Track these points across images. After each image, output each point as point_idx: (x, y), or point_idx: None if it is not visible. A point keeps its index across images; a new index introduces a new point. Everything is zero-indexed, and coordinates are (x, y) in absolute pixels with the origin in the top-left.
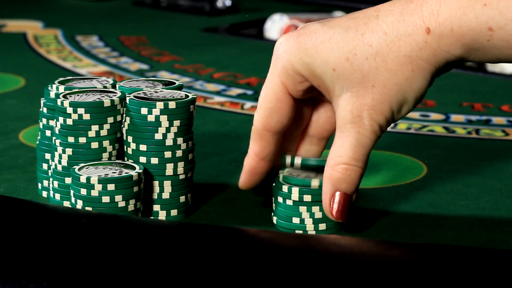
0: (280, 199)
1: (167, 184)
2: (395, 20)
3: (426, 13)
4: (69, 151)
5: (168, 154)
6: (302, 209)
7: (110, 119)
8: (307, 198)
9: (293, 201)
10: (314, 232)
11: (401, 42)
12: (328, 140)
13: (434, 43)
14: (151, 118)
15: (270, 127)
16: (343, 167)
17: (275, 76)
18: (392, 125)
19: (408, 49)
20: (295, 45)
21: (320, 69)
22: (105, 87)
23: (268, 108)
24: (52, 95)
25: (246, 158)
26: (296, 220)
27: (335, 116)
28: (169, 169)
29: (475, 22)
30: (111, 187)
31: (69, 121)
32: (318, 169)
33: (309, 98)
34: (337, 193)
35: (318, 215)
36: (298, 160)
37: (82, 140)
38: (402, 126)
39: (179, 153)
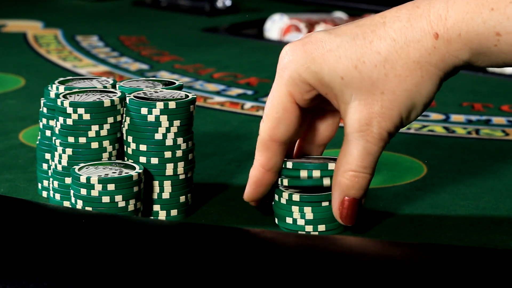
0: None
1: (167, 184)
2: (402, 26)
3: (433, 18)
4: (69, 151)
5: (168, 154)
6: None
7: (110, 119)
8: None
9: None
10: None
11: (410, 48)
12: (325, 146)
13: (442, 48)
14: (151, 118)
15: (277, 137)
16: (351, 174)
17: (282, 86)
18: None
19: (417, 55)
20: (301, 54)
21: (328, 78)
22: (105, 87)
23: (275, 118)
24: (52, 95)
25: (252, 169)
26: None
27: (334, 124)
28: (169, 169)
29: (483, 27)
30: (111, 187)
31: (69, 121)
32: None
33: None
34: (346, 199)
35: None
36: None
37: (82, 140)
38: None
39: (179, 153)
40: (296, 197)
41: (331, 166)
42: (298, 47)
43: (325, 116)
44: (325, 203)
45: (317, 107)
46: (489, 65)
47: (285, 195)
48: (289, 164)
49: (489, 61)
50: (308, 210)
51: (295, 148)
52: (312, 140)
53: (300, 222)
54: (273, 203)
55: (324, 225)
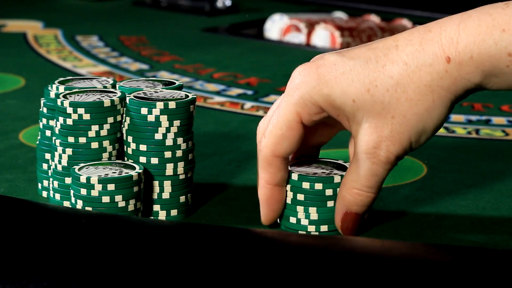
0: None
1: (167, 184)
2: (415, 50)
3: (445, 42)
4: (69, 151)
5: (168, 154)
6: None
7: (110, 119)
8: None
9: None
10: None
11: (422, 72)
12: (320, 148)
13: (454, 72)
14: (151, 118)
15: (279, 153)
16: (356, 192)
17: (291, 105)
18: None
19: (429, 79)
20: (314, 77)
21: (339, 100)
22: (105, 87)
23: (278, 134)
24: (52, 95)
25: (260, 189)
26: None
27: (331, 133)
28: (169, 169)
29: (494, 48)
30: (111, 187)
31: (69, 121)
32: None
33: None
34: (348, 212)
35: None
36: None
37: (82, 140)
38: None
39: (179, 153)
40: (301, 196)
41: (337, 179)
42: (311, 70)
43: (325, 126)
44: (330, 203)
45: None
46: (501, 88)
47: (290, 194)
48: (295, 176)
49: (501, 83)
50: (313, 211)
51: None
52: (308, 143)
53: (304, 222)
54: None
55: (326, 226)
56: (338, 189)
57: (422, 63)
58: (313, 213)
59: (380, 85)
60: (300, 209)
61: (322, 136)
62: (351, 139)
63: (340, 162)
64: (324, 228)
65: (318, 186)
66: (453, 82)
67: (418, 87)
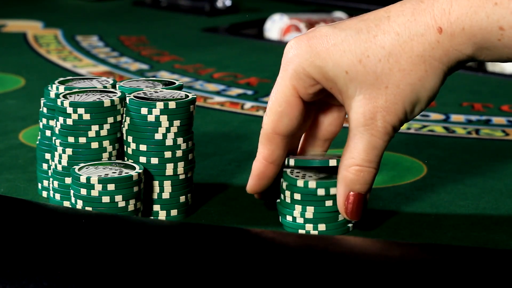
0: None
1: (167, 184)
2: (406, 21)
3: (437, 13)
4: (69, 151)
5: (168, 154)
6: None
7: (110, 119)
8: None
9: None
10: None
11: (414, 42)
12: (331, 141)
13: (446, 43)
14: (151, 118)
15: (279, 131)
16: (356, 168)
17: (286, 80)
18: None
19: (421, 49)
20: (306, 49)
21: (332, 72)
22: (105, 87)
23: (278, 111)
24: (52, 95)
25: (255, 162)
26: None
27: (340, 119)
28: (169, 169)
29: (486, 21)
30: (111, 187)
31: (69, 121)
32: (320, 169)
33: (315, 101)
34: (351, 194)
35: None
36: (292, 162)
37: (82, 140)
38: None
39: (179, 153)
40: (298, 196)
41: (332, 162)
42: (303, 42)
43: (330, 111)
44: (328, 203)
45: (322, 102)
46: (493, 59)
47: (288, 193)
48: (292, 162)
49: (493, 55)
50: (310, 210)
51: (300, 142)
52: (317, 135)
53: (300, 220)
54: (278, 200)
55: (324, 225)
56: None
57: (414, 33)
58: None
59: (372, 55)
60: (297, 207)
61: (331, 125)
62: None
63: None
64: (322, 227)
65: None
66: (445, 53)
67: (410, 57)
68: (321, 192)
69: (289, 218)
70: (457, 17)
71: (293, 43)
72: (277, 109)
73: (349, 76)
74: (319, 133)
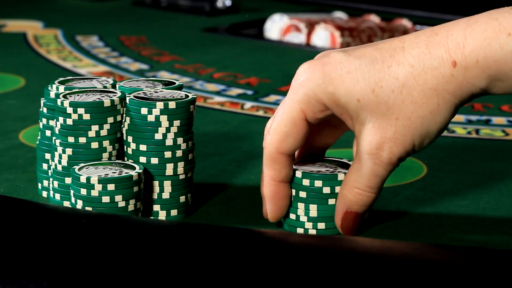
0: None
1: (167, 184)
2: (421, 53)
3: (451, 46)
4: (69, 151)
5: (168, 154)
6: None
7: (110, 119)
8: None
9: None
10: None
11: (428, 76)
12: (325, 150)
13: (460, 76)
14: (151, 118)
15: (283, 150)
16: (357, 191)
17: (295, 103)
18: None
19: (435, 82)
20: (319, 74)
21: (344, 99)
22: (105, 87)
23: (283, 131)
24: (52, 95)
25: (264, 186)
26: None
27: (337, 133)
28: (169, 169)
29: (500, 53)
30: (111, 187)
31: (69, 121)
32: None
33: None
34: (348, 211)
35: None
36: (299, 174)
37: (82, 140)
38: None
39: (179, 153)
40: (303, 194)
41: (341, 177)
42: (316, 67)
43: (329, 126)
44: (331, 201)
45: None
46: (506, 92)
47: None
48: (299, 174)
49: (506, 87)
50: (313, 208)
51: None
52: (313, 144)
53: (303, 219)
54: None
55: (324, 223)
56: (339, 187)
57: (428, 66)
58: (313, 210)
59: (385, 86)
60: (300, 206)
61: (327, 138)
62: (356, 139)
63: (345, 160)
64: (321, 225)
65: (318, 183)
66: (459, 86)
67: (423, 90)
68: (326, 190)
69: (292, 216)
70: (471, 51)
71: (307, 67)
72: (283, 129)
73: (361, 104)
74: (316, 143)
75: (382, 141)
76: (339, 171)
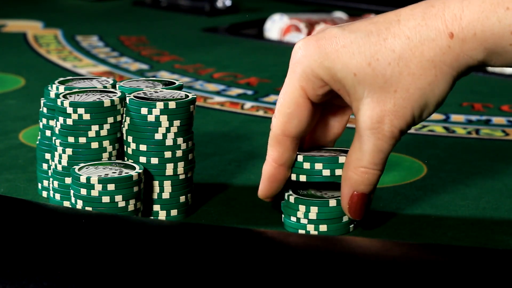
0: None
1: (167, 184)
2: (417, 25)
3: (448, 18)
4: (69, 151)
5: (168, 154)
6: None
7: (110, 119)
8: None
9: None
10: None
11: (424, 47)
12: (334, 142)
13: (457, 48)
14: (151, 118)
15: (289, 132)
16: (362, 170)
17: (295, 81)
18: None
19: (432, 54)
20: (315, 50)
21: (340, 74)
22: (105, 87)
23: (287, 113)
24: (52, 95)
25: (265, 165)
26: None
27: (344, 120)
28: (169, 169)
29: (498, 26)
30: (111, 187)
31: (69, 121)
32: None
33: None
34: (355, 193)
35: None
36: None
37: (82, 140)
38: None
39: (179, 153)
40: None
41: (342, 159)
42: (311, 43)
43: (335, 113)
44: (332, 203)
45: (328, 103)
46: (504, 64)
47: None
48: (300, 158)
49: (504, 60)
50: (314, 210)
51: (305, 143)
52: (321, 136)
53: (304, 221)
54: (282, 201)
55: (326, 225)
56: (340, 170)
57: (425, 38)
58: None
59: (381, 59)
60: (301, 208)
61: (334, 127)
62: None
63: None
64: (323, 228)
65: (319, 166)
66: (456, 58)
67: (420, 61)
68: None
69: (293, 218)
70: (469, 22)
71: (302, 44)
72: (286, 110)
73: (358, 78)
74: (323, 133)
75: (382, 114)
76: (340, 155)
